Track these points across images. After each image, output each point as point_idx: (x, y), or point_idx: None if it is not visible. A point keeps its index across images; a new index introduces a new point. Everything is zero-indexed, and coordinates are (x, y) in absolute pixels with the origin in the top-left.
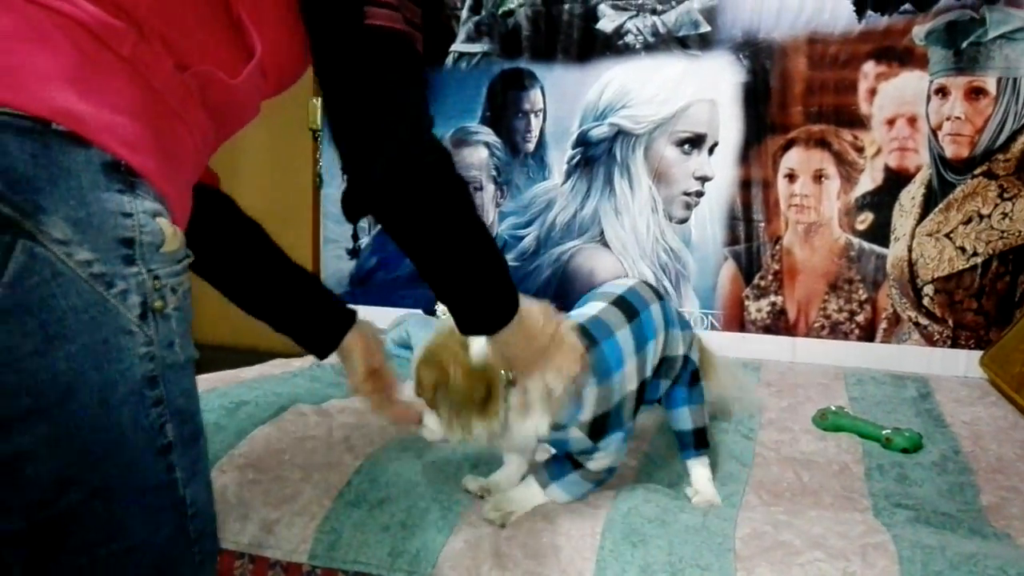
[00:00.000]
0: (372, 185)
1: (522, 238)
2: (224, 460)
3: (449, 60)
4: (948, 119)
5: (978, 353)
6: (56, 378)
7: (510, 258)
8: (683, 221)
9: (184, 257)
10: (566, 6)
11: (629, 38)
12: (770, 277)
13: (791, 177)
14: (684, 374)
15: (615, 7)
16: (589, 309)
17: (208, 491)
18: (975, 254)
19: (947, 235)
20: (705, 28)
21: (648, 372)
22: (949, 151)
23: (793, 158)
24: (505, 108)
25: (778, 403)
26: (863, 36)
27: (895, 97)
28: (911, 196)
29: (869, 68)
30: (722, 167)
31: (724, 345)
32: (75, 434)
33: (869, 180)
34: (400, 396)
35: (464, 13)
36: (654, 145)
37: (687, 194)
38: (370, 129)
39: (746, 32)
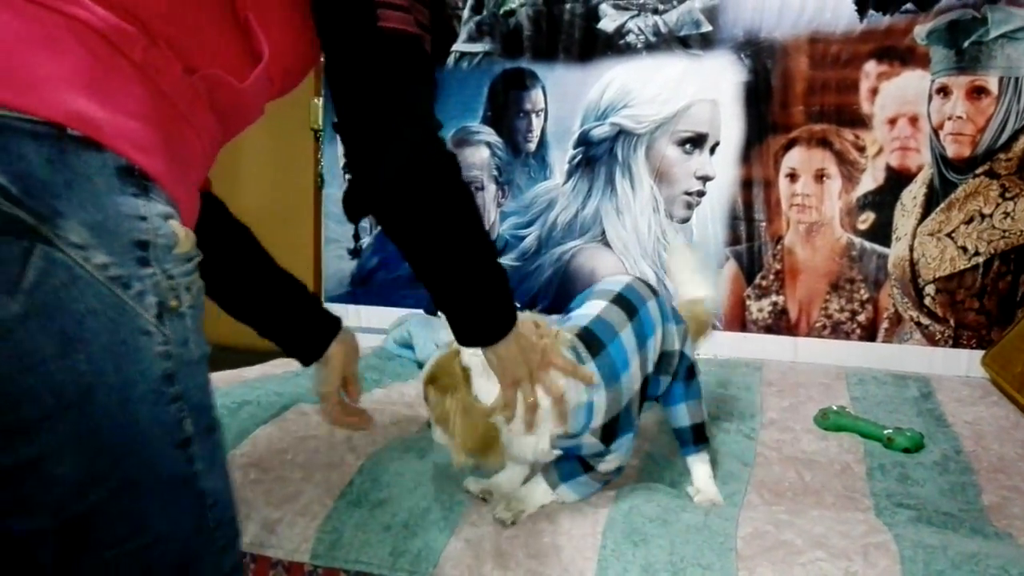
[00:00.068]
0: (380, 185)
1: (523, 238)
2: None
3: (450, 60)
4: (950, 118)
5: (980, 353)
6: (77, 379)
7: (511, 258)
8: (685, 221)
9: (195, 256)
10: (567, 6)
11: (630, 38)
12: (771, 277)
13: (792, 177)
14: (680, 369)
15: (616, 7)
16: (590, 308)
17: (226, 480)
18: (977, 254)
19: (949, 235)
20: (706, 28)
21: (649, 368)
22: (951, 150)
23: (795, 158)
24: (506, 108)
25: (780, 403)
26: (865, 35)
27: (897, 96)
28: (913, 196)
29: (871, 67)
30: (723, 167)
31: (725, 345)
32: (97, 433)
33: (871, 180)
34: (358, 404)
35: (465, 13)
36: (655, 145)
37: (688, 194)
38: (380, 130)
39: (747, 31)
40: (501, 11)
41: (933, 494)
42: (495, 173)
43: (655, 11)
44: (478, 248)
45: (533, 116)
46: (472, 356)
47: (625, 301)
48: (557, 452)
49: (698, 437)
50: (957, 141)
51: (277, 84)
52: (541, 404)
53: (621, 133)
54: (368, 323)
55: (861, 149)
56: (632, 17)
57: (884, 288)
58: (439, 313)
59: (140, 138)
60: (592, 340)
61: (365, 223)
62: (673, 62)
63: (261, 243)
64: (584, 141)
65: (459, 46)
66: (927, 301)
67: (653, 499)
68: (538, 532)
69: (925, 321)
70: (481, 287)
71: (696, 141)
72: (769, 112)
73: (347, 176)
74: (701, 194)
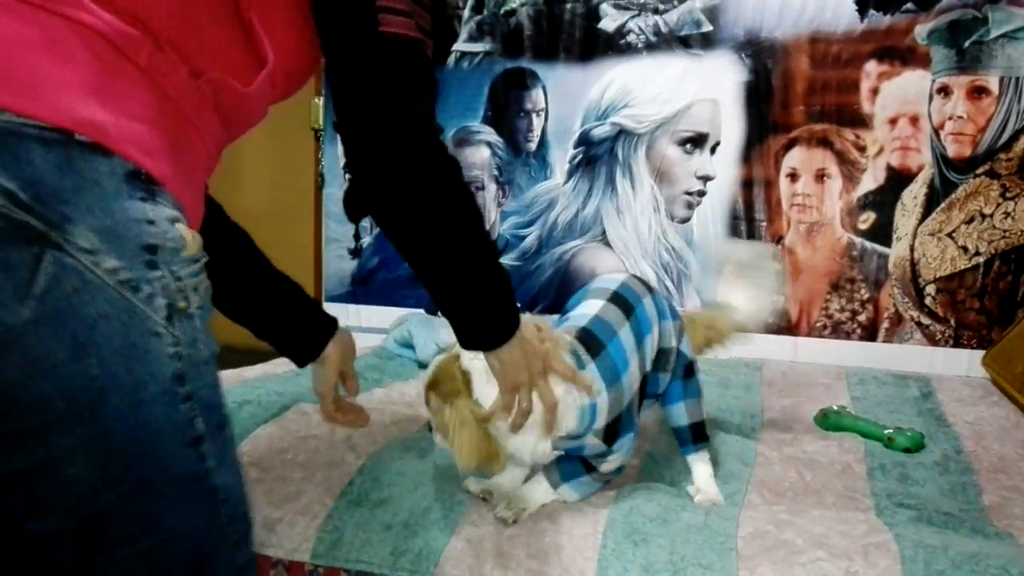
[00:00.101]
0: (380, 189)
1: (524, 238)
2: None
3: (451, 59)
4: (950, 118)
5: (980, 353)
6: (89, 383)
7: (512, 257)
8: (685, 220)
9: (201, 257)
10: (568, 5)
11: (631, 37)
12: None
13: (793, 176)
14: (678, 367)
15: (617, 6)
16: (588, 308)
17: (237, 476)
18: (977, 253)
19: (949, 234)
20: (707, 27)
21: (648, 367)
22: (951, 150)
23: (795, 157)
24: (507, 107)
25: (780, 403)
26: (865, 35)
27: (897, 96)
28: (913, 195)
29: (871, 67)
30: (724, 166)
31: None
32: (111, 434)
33: (871, 179)
34: (354, 401)
35: (466, 12)
36: (656, 144)
37: (689, 193)
38: (380, 134)
39: (748, 31)
40: (502, 11)
41: (934, 494)
42: (495, 173)
43: (656, 11)
44: (480, 252)
45: (534, 116)
46: (473, 360)
47: (622, 299)
48: (558, 453)
49: (697, 436)
50: (958, 141)
51: (280, 88)
52: (534, 410)
53: (622, 133)
54: (368, 323)
55: (862, 149)
56: (633, 17)
57: (885, 288)
58: (439, 313)
59: (147, 142)
60: (592, 341)
61: (365, 223)
62: (674, 62)
63: (260, 244)
64: (585, 141)
65: (460, 46)
66: (928, 301)
67: (654, 499)
68: (539, 532)
69: (926, 321)
70: (483, 291)
71: (697, 141)
72: (770, 112)
73: (347, 176)
74: (702, 194)
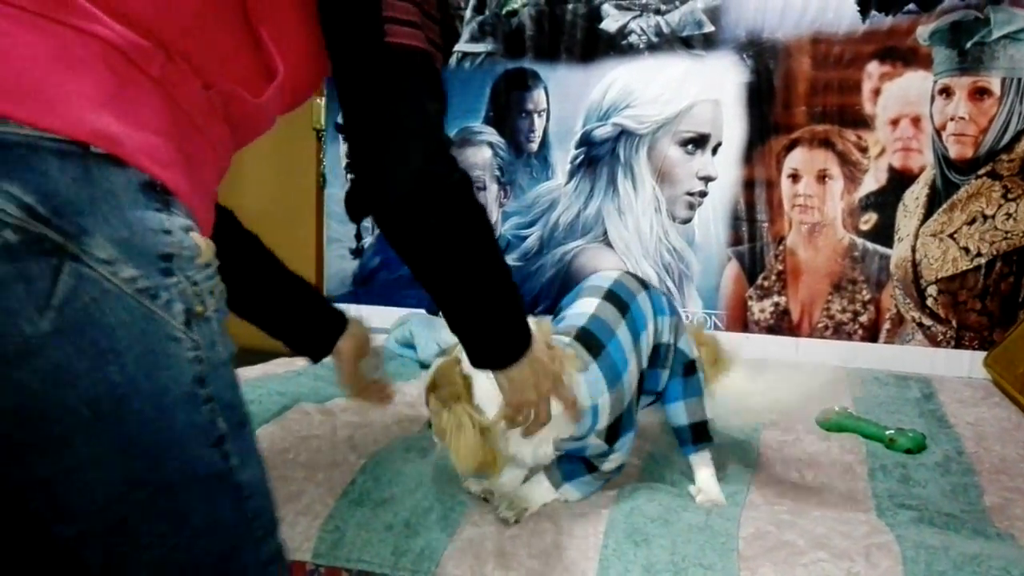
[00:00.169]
0: (389, 203)
1: (525, 238)
2: None
3: (453, 60)
4: (952, 119)
5: (982, 354)
6: (112, 391)
7: (513, 258)
8: (686, 221)
9: (215, 262)
10: (570, 6)
11: (633, 38)
12: (773, 277)
13: (795, 177)
14: (676, 365)
15: (619, 7)
16: (584, 307)
17: (260, 471)
18: (979, 255)
19: (951, 235)
20: (709, 28)
21: (644, 363)
22: (953, 151)
23: (797, 158)
24: (509, 108)
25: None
26: (867, 36)
27: (899, 97)
28: (915, 196)
29: (873, 68)
30: (726, 167)
31: (727, 345)
32: (134, 440)
33: (873, 180)
34: (378, 376)
35: (468, 13)
36: (658, 145)
37: (690, 194)
38: (390, 146)
39: (750, 32)
40: (503, 11)
41: (935, 495)
42: (497, 173)
43: (657, 11)
44: (491, 269)
45: (535, 116)
46: None
47: (616, 297)
48: (559, 453)
49: (698, 436)
50: (959, 142)
51: (289, 98)
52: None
53: (623, 133)
54: (369, 323)
55: (863, 150)
56: (634, 17)
57: (886, 289)
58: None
59: (161, 153)
60: (591, 341)
61: (367, 223)
62: (675, 62)
63: (266, 245)
64: (586, 141)
65: (461, 46)
66: (929, 302)
67: (655, 499)
68: (540, 532)
69: (927, 322)
70: (493, 309)
71: (698, 141)
72: (771, 112)
73: (349, 176)
74: (703, 194)
